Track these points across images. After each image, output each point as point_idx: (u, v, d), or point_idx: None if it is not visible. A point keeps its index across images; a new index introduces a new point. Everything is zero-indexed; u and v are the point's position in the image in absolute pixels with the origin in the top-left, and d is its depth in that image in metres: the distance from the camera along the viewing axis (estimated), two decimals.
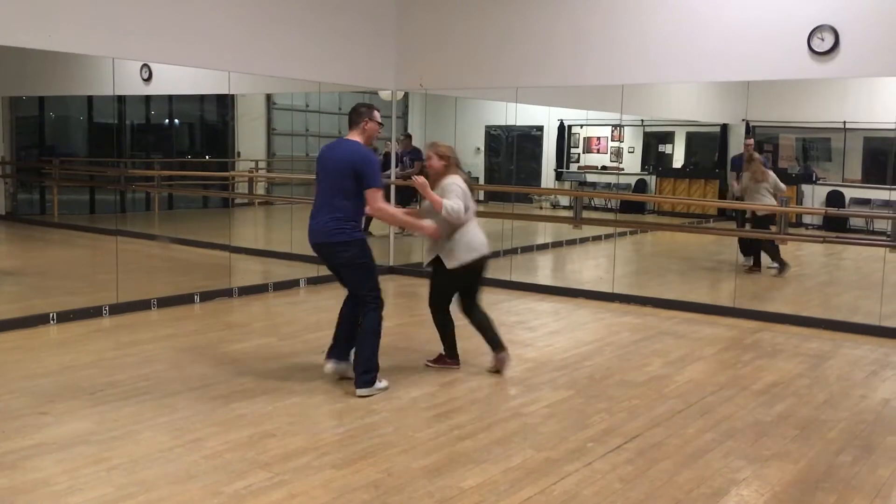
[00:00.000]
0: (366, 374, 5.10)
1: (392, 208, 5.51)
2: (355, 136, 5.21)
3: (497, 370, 5.64)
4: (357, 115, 5.23)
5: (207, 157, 13.03)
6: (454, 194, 5.35)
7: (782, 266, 9.67)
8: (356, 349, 5.20)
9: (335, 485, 3.74)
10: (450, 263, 5.43)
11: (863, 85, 10.44)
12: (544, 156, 15.37)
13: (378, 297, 5.25)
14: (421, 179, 5.36)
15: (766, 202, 9.34)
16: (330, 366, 5.34)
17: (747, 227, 9.86)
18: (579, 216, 9.76)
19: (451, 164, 5.51)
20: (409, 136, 12.86)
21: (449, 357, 5.75)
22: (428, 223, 5.40)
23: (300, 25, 8.37)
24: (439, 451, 4.18)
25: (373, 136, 5.30)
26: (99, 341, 6.36)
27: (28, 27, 6.24)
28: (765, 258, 9.82)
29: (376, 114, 5.29)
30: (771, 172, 9.56)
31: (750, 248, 9.83)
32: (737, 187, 9.77)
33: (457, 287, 5.64)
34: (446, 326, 5.71)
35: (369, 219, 11.71)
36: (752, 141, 10.29)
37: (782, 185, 9.61)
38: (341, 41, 8.82)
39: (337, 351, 5.36)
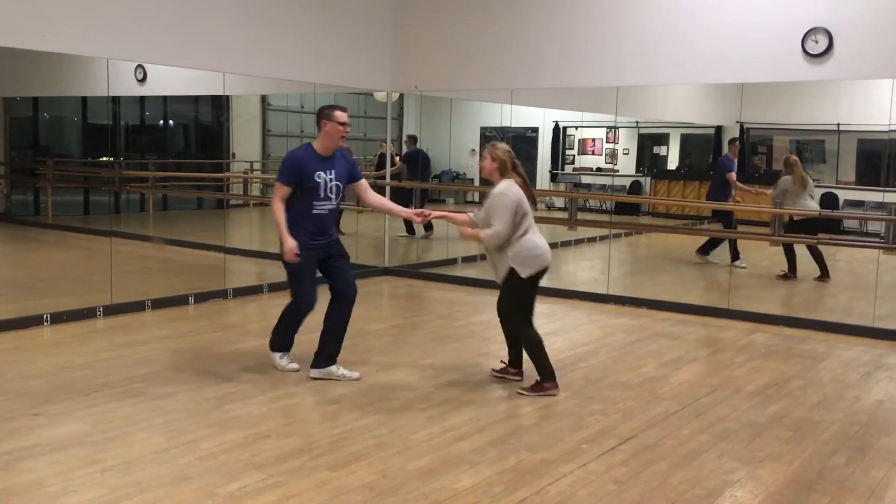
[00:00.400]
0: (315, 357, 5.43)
1: (280, 212, 5.22)
2: (318, 139, 5.34)
3: (500, 375, 5.52)
4: (319, 116, 5.34)
5: (202, 158, 13.01)
6: (499, 216, 5.05)
7: (824, 272, 9.63)
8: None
9: (330, 486, 3.74)
10: (524, 272, 5.14)
11: (857, 87, 10.44)
12: (539, 157, 15.40)
13: (295, 301, 5.53)
14: (438, 213, 5.58)
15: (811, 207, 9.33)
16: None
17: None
18: (574, 218, 9.77)
19: (506, 168, 5.19)
20: (412, 138, 12.88)
21: (546, 381, 5.24)
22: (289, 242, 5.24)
23: (295, 27, 8.37)
24: (434, 453, 4.18)
25: (335, 137, 5.28)
26: (93, 342, 6.35)
27: (23, 28, 6.22)
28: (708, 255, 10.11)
29: (337, 114, 5.27)
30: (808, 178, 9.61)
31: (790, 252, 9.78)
32: (775, 192, 9.65)
33: (534, 294, 5.34)
34: (539, 342, 5.27)
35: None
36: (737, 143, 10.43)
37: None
38: (336, 42, 8.82)
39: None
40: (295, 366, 5.54)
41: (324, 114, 5.28)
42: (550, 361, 5.28)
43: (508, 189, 5.13)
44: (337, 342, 5.44)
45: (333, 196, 5.35)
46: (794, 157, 9.79)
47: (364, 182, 5.62)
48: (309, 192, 5.24)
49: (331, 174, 5.30)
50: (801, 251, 9.70)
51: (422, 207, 9.69)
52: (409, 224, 12.04)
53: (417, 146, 12.76)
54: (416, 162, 12.40)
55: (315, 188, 5.24)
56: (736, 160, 10.42)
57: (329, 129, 5.25)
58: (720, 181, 10.35)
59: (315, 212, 5.29)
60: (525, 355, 5.38)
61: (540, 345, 5.26)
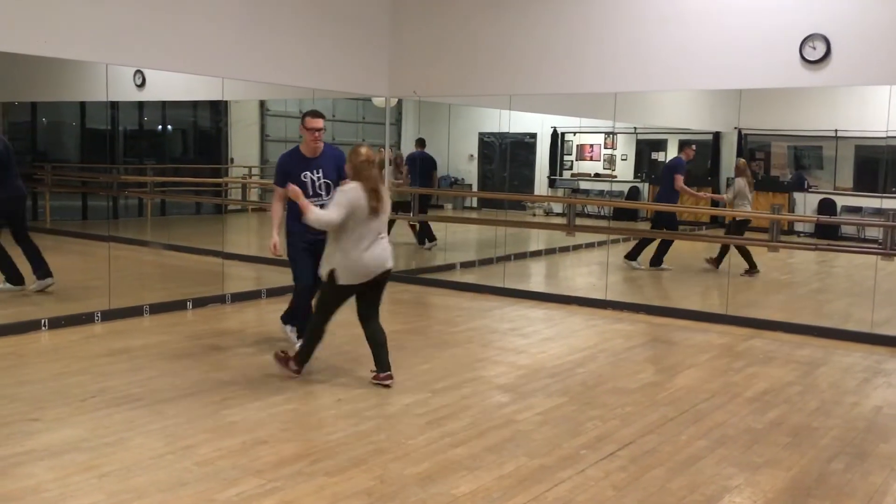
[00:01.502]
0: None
1: (274, 212, 5.92)
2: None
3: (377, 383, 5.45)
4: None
5: (201, 163, 13.01)
6: (335, 206, 5.09)
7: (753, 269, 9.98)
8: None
9: (327, 492, 3.73)
10: (342, 279, 5.22)
11: (854, 93, 10.47)
12: (537, 163, 15.38)
13: (294, 278, 6.08)
14: (293, 189, 5.27)
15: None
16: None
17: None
18: (572, 223, 9.77)
19: (357, 170, 5.15)
20: (420, 140, 12.90)
21: (297, 364, 5.51)
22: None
23: (294, 32, 8.38)
24: (432, 459, 4.17)
25: (307, 140, 5.85)
26: (91, 348, 6.33)
27: (22, 33, 6.23)
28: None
29: (307, 120, 5.81)
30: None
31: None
32: (729, 195, 10.09)
33: (342, 302, 5.40)
34: (321, 335, 5.46)
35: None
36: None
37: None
38: (335, 48, 8.83)
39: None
40: (291, 335, 6.25)
41: (302, 120, 5.88)
42: (313, 354, 5.50)
43: (351, 189, 5.13)
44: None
45: (323, 193, 5.80)
46: (744, 161, 10.28)
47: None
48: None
49: (318, 173, 5.81)
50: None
51: (421, 213, 9.90)
52: (420, 234, 12.06)
53: (423, 149, 12.72)
54: (414, 165, 12.39)
55: (303, 187, 5.58)
56: (686, 163, 10.63)
57: (302, 132, 5.87)
58: (670, 183, 10.52)
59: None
60: (369, 350, 5.46)
61: (319, 337, 5.46)
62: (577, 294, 8.94)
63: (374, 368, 5.45)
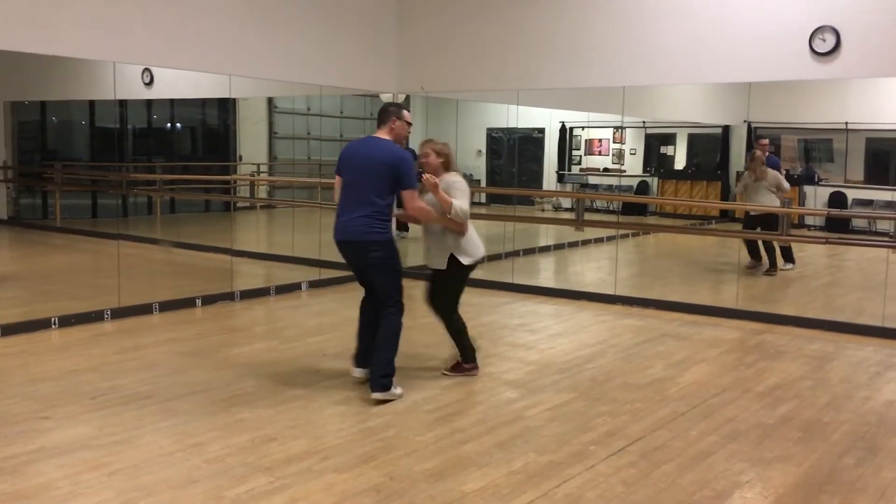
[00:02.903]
0: (384, 378, 4.99)
1: (428, 207, 5.21)
2: (384, 135, 5.15)
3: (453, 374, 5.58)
4: (386, 114, 5.17)
5: (209, 160, 13.03)
6: (462, 193, 5.30)
7: (774, 266, 9.78)
8: (376, 352, 5.07)
9: (337, 489, 3.73)
10: (465, 259, 5.39)
11: (865, 85, 10.41)
12: (546, 158, 15.36)
13: (400, 301, 5.17)
14: (434, 179, 5.23)
15: (766, 201, 9.37)
16: (359, 373, 5.32)
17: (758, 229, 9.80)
18: (581, 218, 9.74)
19: (450, 161, 5.43)
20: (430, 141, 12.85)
21: (466, 362, 5.63)
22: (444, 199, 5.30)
23: (301, 29, 8.37)
24: (441, 455, 4.16)
25: (401, 136, 5.22)
26: (100, 346, 6.35)
27: (30, 32, 6.24)
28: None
29: (405, 114, 5.22)
30: (771, 170, 9.59)
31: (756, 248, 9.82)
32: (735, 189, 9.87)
33: (464, 285, 5.60)
34: (463, 328, 5.58)
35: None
36: (766, 142, 10.37)
37: (786, 185, 9.61)
38: (342, 44, 8.82)
39: (364, 359, 5.27)
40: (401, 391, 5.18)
41: (394, 111, 5.17)
42: (473, 345, 5.63)
43: (461, 179, 5.41)
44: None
45: None
46: (758, 152, 9.84)
47: None
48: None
49: None
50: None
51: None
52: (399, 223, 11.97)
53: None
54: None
55: None
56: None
57: (398, 126, 5.17)
58: None
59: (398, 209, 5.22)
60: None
61: (464, 330, 5.57)
62: (587, 289, 8.92)
63: (459, 360, 5.62)
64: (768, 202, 9.34)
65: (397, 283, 5.16)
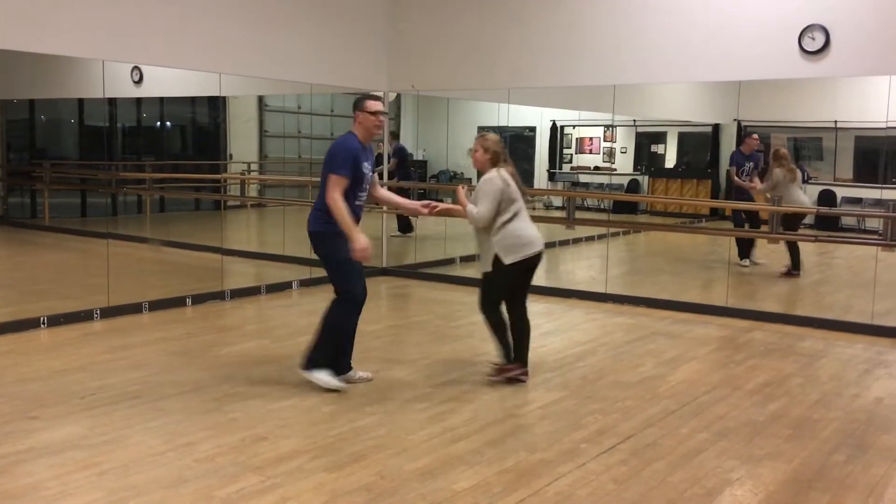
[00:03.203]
0: (308, 360, 5.13)
1: (343, 204, 4.90)
2: (355, 130, 5.14)
3: (505, 379, 5.41)
4: (353, 108, 5.16)
5: (199, 159, 12.99)
6: (484, 197, 5.16)
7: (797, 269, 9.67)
8: (315, 333, 5.17)
9: (327, 488, 3.72)
10: (508, 258, 5.19)
11: (854, 84, 10.46)
12: (537, 156, 15.38)
13: (348, 293, 5.10)
14: (460, 190, 5.37)
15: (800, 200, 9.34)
16: (354, 374, 5.34)
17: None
18: (572, 217, 9.75)
19: (498, 157, 5.29)
20: (393, 134, 12.88)
21: (509, 362, 5.39)
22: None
23: (291, 27, 8.35)
24: (432, 454, 4.16)
25: (370, 128, 5.11)
26: (90, 345, 6.33)
27: (18, 30, 6.20)
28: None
29: (368, 104, 5.09)
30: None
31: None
32: (761, 186, 9.72)
33: (511, 284, 5.34)
34: (504, 327, 5.38)
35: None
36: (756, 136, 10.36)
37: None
38: (333, 42, 8.81)
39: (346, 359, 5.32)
40: (366, 375, 5.37)
41: (357, 104, 5.12)
42: (511, 347, 5.42)
43: (496, 176, 5.24)
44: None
45: (367, 187, 5.23)
46: (784, 150, 9.77)
47: (376, 176, 5.46)
48: (356, 184, 5.05)
49: (369, 165, 5.20)
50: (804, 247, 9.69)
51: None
52: (403, 223, 12.03)
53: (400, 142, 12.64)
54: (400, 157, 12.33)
55: (362, 179, 5.09)
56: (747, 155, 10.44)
57: (362, 118, 5.09)
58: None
59: (357, 203, 5.12)
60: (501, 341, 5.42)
61: (504, 327, 5.37)
62: (578, 288, 8.93)
63: (501, 361, 5.44)
64: (801, 201, 9.29)
65: (341, 275, 5.11)
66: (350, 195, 5.02)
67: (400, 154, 12.08)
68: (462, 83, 9.22)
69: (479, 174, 5.43)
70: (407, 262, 10.49)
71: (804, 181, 11.77)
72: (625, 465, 4.07)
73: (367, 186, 5.19)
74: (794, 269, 9.67)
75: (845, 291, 9.34)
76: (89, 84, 9.14)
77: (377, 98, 5.26)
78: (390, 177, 10.99)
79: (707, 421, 4.78)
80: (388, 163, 11.03)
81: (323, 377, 5.11)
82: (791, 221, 9.29)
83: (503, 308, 5.38)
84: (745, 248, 10.15)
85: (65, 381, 5.27)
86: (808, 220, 11.03)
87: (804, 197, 9.53)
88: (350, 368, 5.31)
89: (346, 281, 5.10)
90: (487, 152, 5.30)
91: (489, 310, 5.37)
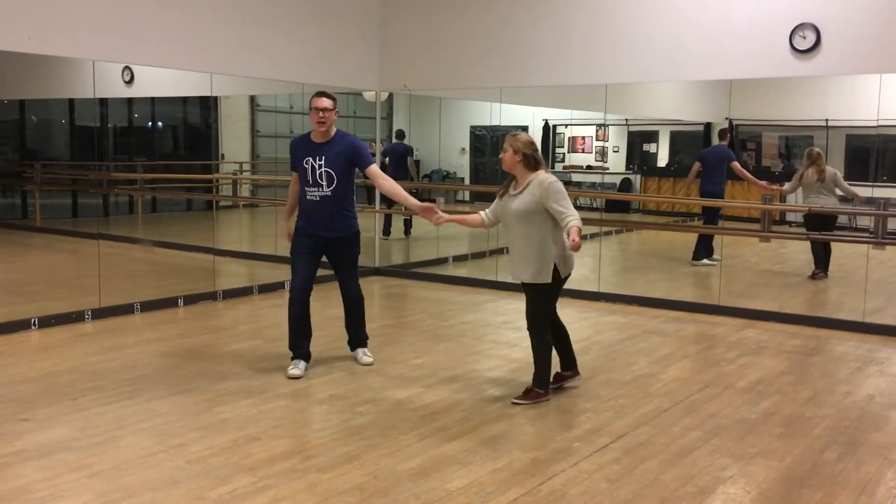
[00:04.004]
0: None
1: (291, 195, 5.61)
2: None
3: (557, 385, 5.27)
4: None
5: (191, 159, 12.96)
6: (566, 198, 4.76)
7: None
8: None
9: (320, 488, 3.72)
10: (564, 270, 4.94)
11: (844, 82, 10.48)
12: None
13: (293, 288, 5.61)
14: (484, 227, 5.27)
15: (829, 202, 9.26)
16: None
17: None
18: None
19: (531, 161, 4.86)
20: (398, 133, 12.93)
21: (541, 387, 5.06)
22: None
23: (283, 26, 8.33)
24: (425, 454, 4.15)
25: (313, 124, 5.40)
26: (81, 346, 6.30)
27: (8, 30, 6.17)
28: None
29: (312, 100, 5.36)
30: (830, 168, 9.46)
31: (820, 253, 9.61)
32: (788, 186, 9.64)
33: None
34: (551, 348, 5.11)
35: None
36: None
37: (845, 183, 9.54)
38: (325, 42, 8.79)
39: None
40: (298, 372, 5.47)
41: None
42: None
43: (557, 180, 4.86)
44: (357, 331, 5.92)
45: (324, 183, 5.33)
46: (818, 150, 9.63)
47: (373, 169, 5.45)
48: (302, 178, 5.44)
49: (320, 160, 5.32)
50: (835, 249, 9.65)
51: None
52: (407, 226, 12.12)
53: (402, 141, 12.65)
54: (393, 157, 12.32)
55: (303, 173, 5.41)
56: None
57: (310, 115, 5.41)
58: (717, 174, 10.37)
59: (308, 198, 5.45)
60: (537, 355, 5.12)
61: (550, 350, 5.12)
62: (570, 286, 8.90)
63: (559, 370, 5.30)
64: (829, 203, 9.22)
65: (292, 264, 5.59)
66: (302, 190, 5.48)
67: (391, 153, 12.12)
68: (454, 82, 9.22)
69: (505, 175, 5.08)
70: (399, 261, 10.48)
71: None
72: (617, 464, 4.08)
73: (323, 182, 5.35)
74: (821, 269, 9.57)
75: (837, 289, 9.37)
76: (80, 84, 9.11)
77: (322, 93, 5.38)
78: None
79: (699, 419, 4.78)
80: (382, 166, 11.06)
81: (292, 370, 5.52)
82: (823, 223, 9.16)
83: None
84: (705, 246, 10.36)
85: (56, 383, 5.24)
86: (800, 218, 11.02)
87: (830, 200, 9.35)
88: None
89: (294, 273, 5.61)
90: (517, 154, 4.86)
91: (544, 327, 5.04)
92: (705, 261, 10.28)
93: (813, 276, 9.56)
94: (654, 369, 5.87)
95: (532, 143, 4.92)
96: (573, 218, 4.67)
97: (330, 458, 4.08)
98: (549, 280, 4.88)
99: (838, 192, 9.44)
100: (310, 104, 5.36)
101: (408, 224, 12.20)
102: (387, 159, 12.03)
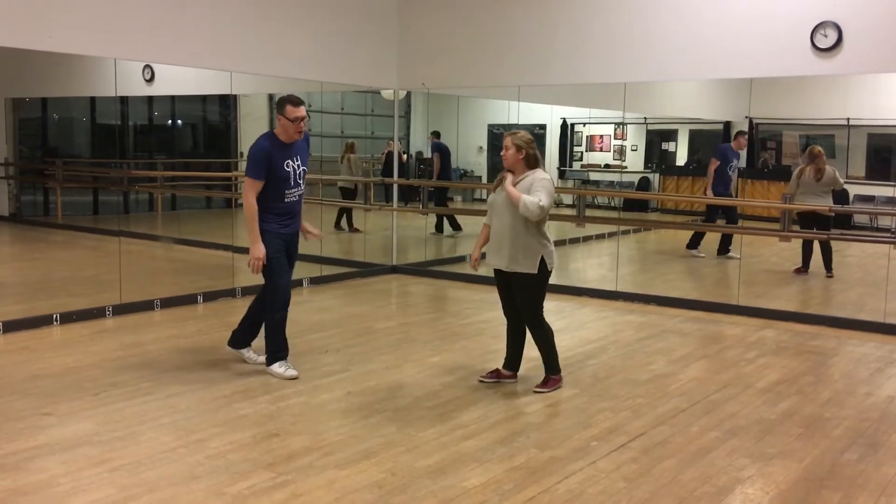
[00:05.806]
0: (268, 354, 5.48)
1: (253, 207, 5.22)
2: (276, 130, 5.28)
3: (493, 380, 5.39)
4: (277, 109, 5.29)
5: (211, 157, 13.03)
6: (545, 192, 4.95)
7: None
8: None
9: (338, 485, 3.74)
10: (551, 263, 5.12)
11: (866, 81, 10.40)
12: (547, 154, 15.34)
13: (272, 293, 5.48)
14: (509, 176, 5.11)
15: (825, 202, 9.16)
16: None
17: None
18: (582, 214, 9.73)
19: (531, 158, 5.07)
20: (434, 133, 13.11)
21: (556, 373, 5.29)
22: None
23: (302, 25, 8.37)
24: (442, 451, 4.17)
25: (291, 133, 5.21)
26: (102, 342, 6.36)
27: (30, 29, 6.24)
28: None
29: (287, 109, 5.16)
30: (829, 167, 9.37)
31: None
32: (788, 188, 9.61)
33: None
34: (552, 337, 5.29)
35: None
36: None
37: (841, 181, 9.44)
38: (343, 40, 8.82)
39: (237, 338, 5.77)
40: (295, 372, 5.45)
41: (277, 108, 5.25)
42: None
43: (548, 178, 5.08)
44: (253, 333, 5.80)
45: (302, 183, 5.43)
46: (819, 148, 9.54)
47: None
48: (280, 182, 5.25)
49: (297, 161, 5.35)
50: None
51: (436, 204, 9.35)
52: (439, 223, 12.26)
53: (439, 140, 12.83)
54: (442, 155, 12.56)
55: (286, 177, 5.26)
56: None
57: (282, 123, 5.22)
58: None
59: (287, 200, 5.34)
60: (533, 353, 5.36)
61: (552, 335, 5.30)
62: (588, 286, 8.92)
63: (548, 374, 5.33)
64: (825, 203, 9.13)
65: (267, 274, 5.44)
66: (275, 195, 5.24)
67: (438, 151, 12.30)
68: (472, 81, 9.22)
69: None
70: (417, 260, 10.49)
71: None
72: (635, 463, 4.07)
73: (301, 181, 5.37)
74: (804, 268, 9.63)
75: (857, 290, 9.29)
76: (101, 82, 9.18)
77: (298, 101, 5.24)
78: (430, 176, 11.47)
79: (718, 419, 4.77)
80: (400, 164, 11.11)
81: (280, 369, 5.43)
82: (818, 223, 9.12)
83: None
84: (696, 239, 10.69)
85: (77, 378, 5.30)
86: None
87: (825, 201, 9.21)
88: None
89: (268, 280, 5.47)
90: (520, 151, 5.05)
91: (541, 320, 5.22)
92: (693, 252, 10.55)
93: (797, 272, 9.65)
94: (672, 369, 5.85)
95: (532, 141, 5.14)
96: (533, 197, 4.92)
97: (348, 454, 4.10)
98: (534, 271, 5.06)
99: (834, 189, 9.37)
100: (285, 113, 5.16)
101: (453, 221, 12.40)
102: (437, 156, 12.27)
